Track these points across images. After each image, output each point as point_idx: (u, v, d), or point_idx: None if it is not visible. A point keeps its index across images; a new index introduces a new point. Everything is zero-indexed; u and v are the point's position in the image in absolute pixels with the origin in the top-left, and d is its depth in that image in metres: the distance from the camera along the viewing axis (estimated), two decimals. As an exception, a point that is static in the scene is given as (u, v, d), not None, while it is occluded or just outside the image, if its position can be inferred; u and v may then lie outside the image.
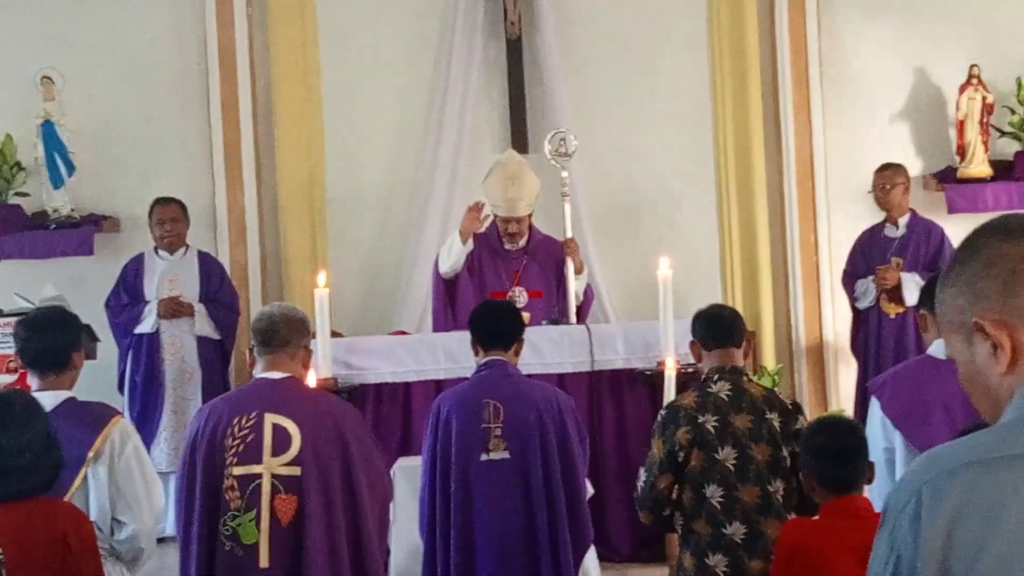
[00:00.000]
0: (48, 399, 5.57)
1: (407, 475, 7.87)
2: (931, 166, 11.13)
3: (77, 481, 5.58)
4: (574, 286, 9.79)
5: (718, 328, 6.40)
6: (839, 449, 5.30)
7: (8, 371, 9.64)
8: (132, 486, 5.69)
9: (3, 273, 10.37)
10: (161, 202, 10.40)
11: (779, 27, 11.17)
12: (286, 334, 6.03)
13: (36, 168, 10.77)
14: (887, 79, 11.17)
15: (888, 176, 10.43)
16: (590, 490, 7.48)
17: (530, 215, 9.91)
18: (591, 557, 7.62)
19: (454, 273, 9.85)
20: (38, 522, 4.98)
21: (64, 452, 5.20)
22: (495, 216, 9.91)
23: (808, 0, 11.11)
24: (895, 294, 10.16)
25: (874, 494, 5.52)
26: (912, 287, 9.89)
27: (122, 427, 5.78)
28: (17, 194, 10.83)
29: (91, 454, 5.63)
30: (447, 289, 9.91)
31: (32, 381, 5.87)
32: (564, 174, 9.91)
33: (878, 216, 10.52)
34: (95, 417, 5.75)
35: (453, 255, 9.81)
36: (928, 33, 11.14)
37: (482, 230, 9.93)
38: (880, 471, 5.55)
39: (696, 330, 6.44)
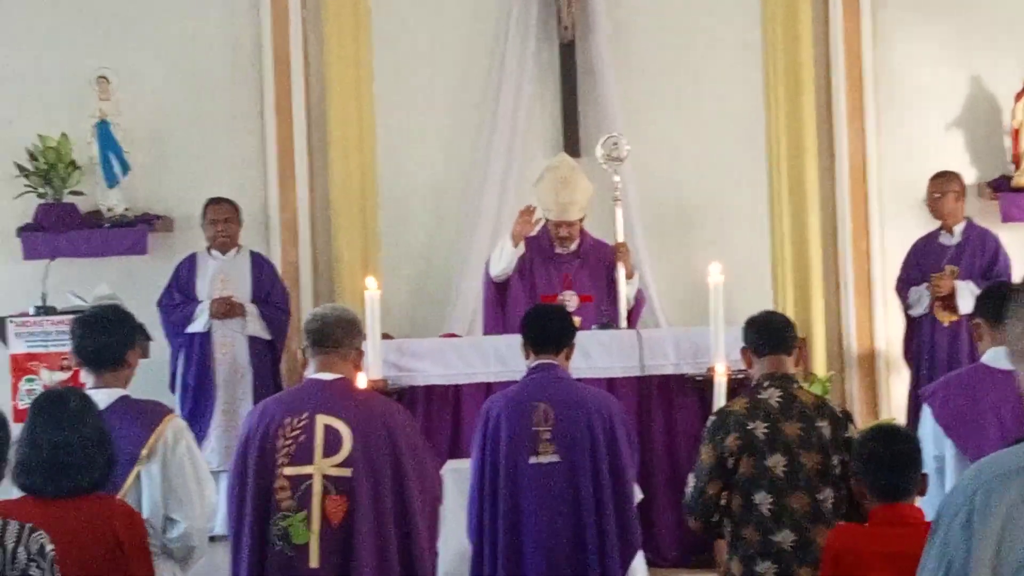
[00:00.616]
0: (102, 397, 5.59)
1: (456, 477, 7.87)
2: (985, 175, 11.05)
3: (130, 479, 5.59)
4: (625, 291, 9.78)
5: (769, 335, 6.38)
6: (892, 456, 5.28)
7: (62, 368, 9.72)
8: (185, 484, 5.70)
9: (58, 271, 10.43)
10: (214, 202, 10.46)
11: (833, 33, 11.12)
12: (339, 335, 6.05)
13: (91, 167, 10.85)
14: (941, 86, 11.10)
15: (940, 184, 10.37)
16: (639, 495, 7.46)
17: (582, 219, 9.91)
18: (639, 562, 7.62)
19: (505, 276, 9.86)
20: (91, 520, 5.00)
21: (117, 450, 5.23)
22: (546, 220, 9.92)
23: (863, 6, 11.07)
24: (949, 302, 10.10)
25: (925, 503, 5.50)
26: (967, 295, 9.82)
27: (175, 425, 5.80)
28: (72, 193, 10.89)
29: (144, 452, 5.65)
30: (498, 292, 9.92)
31: (86, 379, 5.89)
32: (616, 178, 9.90)
33: (931, 224, 10.46)
34: (148, 415, 5.77)
35: (504, 258, 9.82)
36: (983, 40, 11.06)
37: (533, 233, 9.93)
38: (930, 480, 5.52)
39: (747, 336, 6.43)
